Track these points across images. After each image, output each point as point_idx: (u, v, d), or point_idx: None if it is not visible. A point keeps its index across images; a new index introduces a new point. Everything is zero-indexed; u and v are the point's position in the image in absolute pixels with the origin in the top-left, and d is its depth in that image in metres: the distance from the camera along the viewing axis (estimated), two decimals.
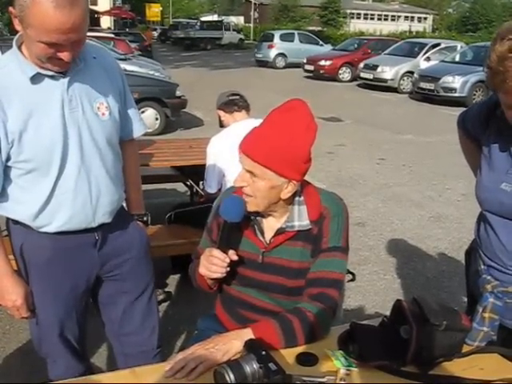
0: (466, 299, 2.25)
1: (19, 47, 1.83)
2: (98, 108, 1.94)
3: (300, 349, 1.69)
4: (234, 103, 3.57)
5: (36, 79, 1.81)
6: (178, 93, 10.12)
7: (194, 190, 5.18)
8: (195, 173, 4.49)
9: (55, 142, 1.85)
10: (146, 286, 2.27)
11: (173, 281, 4.24)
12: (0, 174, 1.85)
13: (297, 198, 1.85)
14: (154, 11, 55.37)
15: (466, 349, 1.75)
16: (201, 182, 4.84)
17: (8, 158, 1.84)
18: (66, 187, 1.91)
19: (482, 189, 1.84)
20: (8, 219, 2.02)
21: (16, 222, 1.99)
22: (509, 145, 1.75)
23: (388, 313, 3.19)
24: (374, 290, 4.24)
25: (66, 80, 1.85)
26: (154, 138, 5.81)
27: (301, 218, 1.83)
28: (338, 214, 1.86)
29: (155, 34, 45.42)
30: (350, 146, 9.55)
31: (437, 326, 1.65)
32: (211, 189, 3.60)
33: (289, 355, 1.65)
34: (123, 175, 2.18)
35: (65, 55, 1.72)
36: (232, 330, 1.87)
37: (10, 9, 1.69)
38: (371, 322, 1.90)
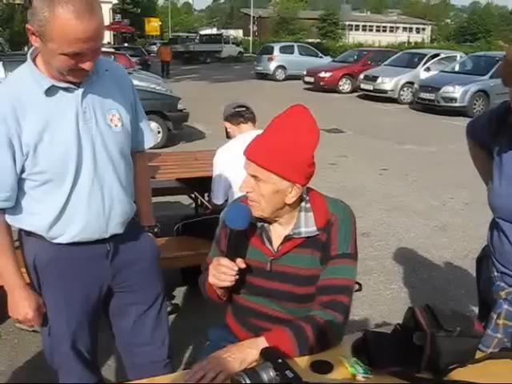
0: (473, 308, 2.26)
1: (33, 60, 1.86)
2: (111, 120, 1.97)
3: (314, 356, 1.70)
4: (241, 115, 3.59)
5: (51, 92, 1.83)
6: (179, 106, 10.16)
7: (199, 202, 5.20)
8: (200, 185, 4.51)
9: (70, 153, 1.87)
10: (157, 297, 2.28)
11: (179, 293, 4.24)
12: (14, 186, 1.88)
13: (303, 205, 1.87)
14: (153, 26, 55.71)
15: (479, 355, 1.76)
16: (206, 194, 4.87)
17: (22, 170, 1.87)
18: (80, 198, 1.93)
19: (495, 196, 1.85)
20: (20, 231, 2.04)
21: (29, 234, 2.00)
22: None
23: (395, 322, 3.20)
24: (380, 300, 4.24)
25: (80, 92, 1.88)
26: (158, 151, 5.82)
27: (307, 225, 1.85)
28: (345, 220, 1.87)
29: (154, 48, 45.58)
30: (352, 157, 9.57)
31: (451, 333, 1.65)
32: (218, 200, 3.61)
33: (303, 363, 1.66)
34: (134, 186, 2.20)
35: (87, 65, 1.76)
36: (243, 339, 1.88)
37: (28, 26, 1.70)
38: (384, 330, 1.91)
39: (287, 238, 1.86)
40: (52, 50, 1.70)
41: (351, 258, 1.86)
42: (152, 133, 2.31)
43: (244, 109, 3.63)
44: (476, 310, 2.01)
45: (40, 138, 1.82)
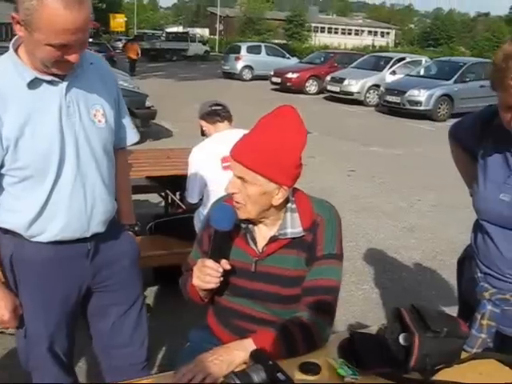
0: (444, 309, 2.28)
1: (16, 50, 1.79)
2: (95, 115, 1.92)
3: (301, 358, 1.68)
4: (217, 113, 3.55)
5: (34, 84, 1.77)
6: (147, 103, 10.07)
7: (170, 200, 5.15)
8: (173, 183, 4.46)
9: (52, 149, 1.81)
10: (137, 297, 2.23)
11: (151, 292, 4.18)
12: None
13: (289, 205, 1.84)
14: (118, 22, 54.99)
15: (463, 355, 1.77)
16: (178, 193, 4.83)
17: (1, 166, 1.80)
18: (62, 196, 1.87)
19: (480, 199, 1.86)
20: None
21: (6, 232, 1.93)
22: (506, 155, 1.78)
23: (368, 322, 3.19)
24: (352, 301, 4.26)
25: (64, 85, 1.82)
26: (130, 148, 5.74)
27: (293, 226, 1.82)
28: (331, 221, 1.86)
29: (119, 44, 45.07)
30: (320, 158, 9.59)
31: (438, 333, 1.66)
32: (193, 199, 3.57)
33: (291, 365, 1.64)
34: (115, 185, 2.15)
35: (73, 57, 1.70)
36: (226, 341, 1.86)
37: (13, 14, 1.64)
38: (369, 331, 1.90)
39: (272, 239, 1.83)
40: (38, 41, 1.64)
41: (337, 259, 1.85)
42: (134, 129, 2.25)
43: (220, 107, 3.60)
44: (447, 310, 2.02)
45: (21, 132, 1.75)
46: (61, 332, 2.06)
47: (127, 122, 2.18)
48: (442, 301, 4.11)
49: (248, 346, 1.66)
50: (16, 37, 1.80)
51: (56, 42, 1.63)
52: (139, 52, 26.41)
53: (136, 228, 2.29)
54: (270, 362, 1.49)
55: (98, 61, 2.02)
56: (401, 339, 1.74)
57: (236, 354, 1.64)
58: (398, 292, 4.50)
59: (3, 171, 1.81)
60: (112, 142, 2.04)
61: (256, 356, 1.54)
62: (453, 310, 2.10)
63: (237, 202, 1.78)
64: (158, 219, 4.07)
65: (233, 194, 1.78)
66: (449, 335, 1.67)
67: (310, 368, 1.63)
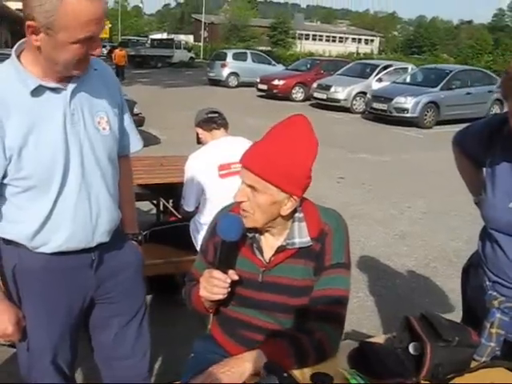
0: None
1: (18, 57, 1.75)
2: (99, 122, 1.88)
3: (313, 369, 1.67)
4: (213, 121, 3.54)
5: (37, 92, 1.73)
6: (135, 110, 10.01)
7: (162, 208, 5.11)
8: (166, 191, 4.43)
9: (56, 158, 1.77)
10: (139, 307, 2.20)
11: (146, 302, 4.13)
12: None
13: (296, 215, 1.83)
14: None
15: (473, 364, 1.76)
16: (171, 201, 4.80)
17: (4, 176, 1.76)
18: (66, 205, 1.83)
19: (489, 208, 1.86)
20: (1, 240, 1.91)
21: (8, 243, 1.88)
22: None
23: (364, 330, 3.17)
24: (348, 309, 4.21)
25: (68, 92, 1.79)
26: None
27: (301, 235, 1.81)
28: (338, 229, 1.85)
29: (104, 50, 44.86)
30: None
31: (450, 342, 1.66)
32: (189, 207, 3.55)
33: (302, 376, 1.63)
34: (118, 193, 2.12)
35: (98, 51, 1.71)
36: (232, 351, 1.85)
37: (29, 23, 1.60)
38: (378, 340, 1.90)
39: (280, 249, 1.81)
40: (62, 42, 1.62)
41: (345, 268, 1.85)
42: (138, 136, 2.21)
43: (217, 115, 3.59)
44: None
45: (25, 141, 1.71)
46: (64, 344, 2.03)
47: (131, 128, 2.15)
48: (436, 308, 4.12)
49: (259, 357, 1.64)
50: (18, 43, 1.77)
51: (82, 35, 1.62)
52: (126, 59, 26.10)
53: (139, 237, 2.25)
54: (285, 374, 1.47)
55: (101, 67, 1.98)
56: (411, 348, 1.73)
57: (247, 365, 1.62)
58: (393, 299, 4.50)
59: (6, 181, 1.77)
60: (116, 150, 2.01)
61: (270, 367, 1.52)
62: (448, 317, 2.09)
63: (244, 211, 1.76)
64: (153, 227, 4.03)
65: (241, 202, 1.76)
66: (460, 344, 1.67)
67: (321, 379, 1.60)
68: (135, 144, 2.18)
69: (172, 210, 4.59)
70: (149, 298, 4.17)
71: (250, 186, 1.72)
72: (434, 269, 5.17)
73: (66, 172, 1.80)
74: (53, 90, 1.77)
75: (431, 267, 5.22)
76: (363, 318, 4.07)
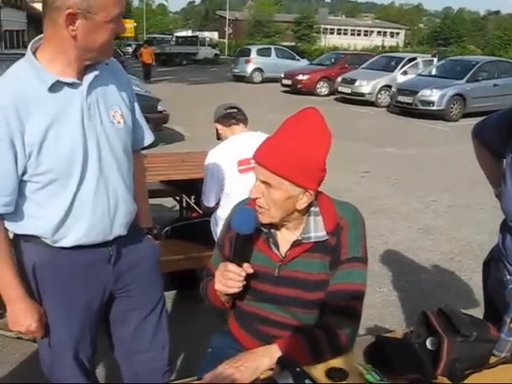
0: (463, 311, 2.23)
1: (34, 54, 1.77)
2: (114, 116, 1.91)
3: (328, 364, 1.65)
4: (232, 116, 3.53)
5: (55, 88, 1.75)
6: (159, 107, 10.07)
7: (184, 204, 5.13)
8: (188, 187, 4.44)
9: (75, 151, 1.80)
10: (158, 301, 2.21)
11: (168, 298, 4.13)
12: (15, 189, 1.78)
13: (312, 209, 1.81)
14: (127, 27, 55.04)
15: (492, 359, 1.73)
16: (192, 197, 4.81)
17: (24, 172, 1.78)
18: (85, 199, 1.85)
19: (509, 200, 1.83)
20: (17, 237, 1.93)
21: (28, 240, 1.90)
22: None
23: (387, 325, 3.14)
24: (370, 304, 4.19)
25: (84, 87, 1.81)
26: (145, 152, 5.74)
27: (317, 229, 1.79)
28: (355, 223, 1.83)
29: (129, 49, 45.20)
30: (333, 160, 9.33)
31: (467, 338, 1.63)
32: (209, 202, 3.54)
33: (317, 371, 1.61)
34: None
35: (124, 28, 1.83)
36: (248, 346, 1.84)
37: (68, 12, 1.63)
38: (395, 334, 1.87)
39: (296, 243, 1.80)
40: (101, 22, 1.67)
41: (362, 262, 1.83)
42: (149, 130, 2.23)
43: (236, 110, 3.58)
44: (467, 312, 1.97)
45: (45, 136, 1.74)
46: (85, 339, 2.05)
47: (142, 122, 2.17)
48: (461, 303, 4.07)
49: (273, 352, 1.63)
50: (33, 41, 1.80)
51: (117, 12, 1.69)
52: (153, 57, 25.79)
53: (154, 231, 2.28)
54: (298, 369, 1.46)
55: (112, 61, 2.00)
56: (428, 343, 1.71)
57: (261, 360, 1.61)
58: (417, 294, 4.45)
59: (26, 178, 1.79)
60: (130, 143, 2.03)
61: (283, 362, 1.51)
62: (473, 313, 2.05)
63: (260, 207, 1.75)
64: (175, 223, 4.05)
65: (256, 198, 1.75)
66: (478, 339, 1.64)
67: (337, 374, 1.60)
68: (148, 137, 2.21)
69: (194, 205, 4.60)
70: (170, 293, 4.19)
71: (265, 182, 1.71)
72: (459, 263, 5.09)
73: (85, 165, 1.83)
74: (70, 85, 1.79)
75: (456, 261, 5.15)
76: (386, 313, 4.03)
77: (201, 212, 4.11)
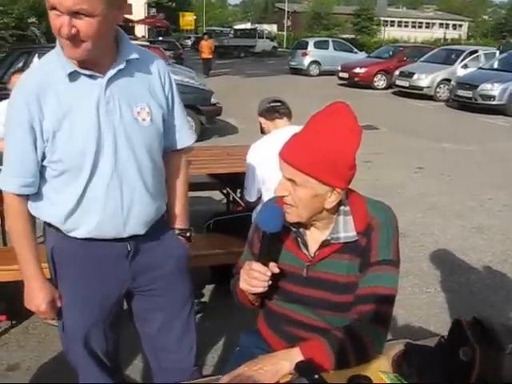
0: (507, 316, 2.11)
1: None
2: (139, 113, 1.84)
3: (351, 370, 1.58)
4: (276, 110, 3.47)
5: (73, 77, 1.75)
6: (213, 100, 10.11)
7: (231, 198, 5.12)
8: (233, 181, 4.42)
9: (88, 144, 1.77)
10: (184, 303, 2.15)
11: (208, 291, 4.16)
12: (37, 172, 1.82)
13: (342, 208, 1.73)
14: (187, 20, 55.88)
15: None
16: (238, 191, 4.79)
17: (43, 158, 1.80)
18: (96, 193, 1.83)
19: None
20: (44, 223, 1.97)
21: (49, 226, 1.94)
22: None
23: (431, 328, 3.03)
24: (416, 304, 4.09)
25: (104, 80, 1.78)
26: (191, 145, 5.76)
27: (346, 230, 1.72)
28: (386, 224, 1.74)
29: (188, 42, 45.64)
30: (387, 155, 9.37)
31: (503, 350, 1.53)
32: (251, 197, 3.51)
33: (339, 378, 1.54)
34: (167, 188, 2.09)
35: (63, 29, 1.67)
36: (275, 347, 1.80)
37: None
38: (427, 342, 1.78)
39: (325, 244, 1.73)
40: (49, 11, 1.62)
41: (393, 265, 1.73)
42: (191, 131, 2.14)
43: (279, 104, 3.52)
44: None
45: (59, 125, 1.74)
46: (97, 330, 2.03)
47: (182, 122, 2.06)
48: (510, 306, 3.90)
49: (295, 355, 1.57)
50: None
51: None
52: (212, 50, 24.44)
53: (188, 234, 2.18)
54: (316, 376, 1.40)
55: (147, 56, 1.93)
56: (461, 353, 1.61)
57: (282, 364, 1.55)
58: (465, 296, 4.29)
59: (45, 163, 1.82)
60: (160, 143, 1.96)
61: (301, 368, 1.46)
62: None
63: (287, 205, 1.69)
64: (217, 217, 4.03)
65: (283, 196, 1.69)
66: None
67: (360, 382, 1.53)
68: (185, 139, 2.10)
69: (238, 199, 4.58)
70: (210, 287, 4.19)
71: (290, 180, 1.65)
72: None
73: (97, 159, 1.80)
74: (88, 76, 1.77)
75: (509, 263, 4.94)
76: (432, 314, 3.90)
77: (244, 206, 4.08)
